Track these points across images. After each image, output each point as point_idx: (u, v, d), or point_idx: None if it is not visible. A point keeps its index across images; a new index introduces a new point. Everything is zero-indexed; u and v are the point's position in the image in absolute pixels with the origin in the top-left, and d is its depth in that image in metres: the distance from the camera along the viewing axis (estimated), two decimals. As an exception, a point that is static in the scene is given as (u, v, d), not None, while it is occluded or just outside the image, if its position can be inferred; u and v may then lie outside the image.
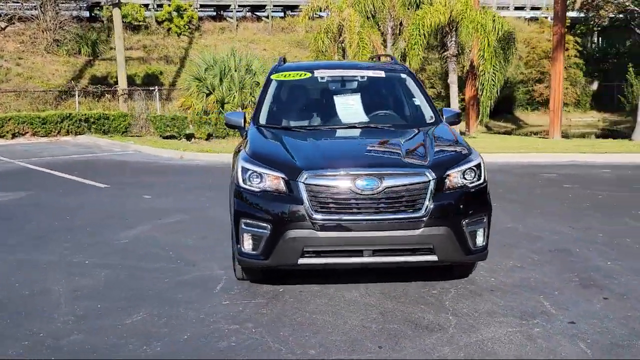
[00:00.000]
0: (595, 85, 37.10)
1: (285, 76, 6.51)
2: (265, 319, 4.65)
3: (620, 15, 32.87)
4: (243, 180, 4.96)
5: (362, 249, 4.78)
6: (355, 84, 6.49)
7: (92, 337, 4.38)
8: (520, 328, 4.43)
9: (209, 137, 20.56)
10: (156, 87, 24.88)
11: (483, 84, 20.25)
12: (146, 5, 34.13)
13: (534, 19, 38.34)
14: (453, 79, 21.65)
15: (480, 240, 4.98)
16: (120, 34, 24.03)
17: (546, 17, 36.60)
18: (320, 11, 23.45)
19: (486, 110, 20.67)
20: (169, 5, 33.59)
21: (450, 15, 20.10)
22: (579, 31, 36.24)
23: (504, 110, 32.12)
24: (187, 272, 5.84)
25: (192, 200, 9.64)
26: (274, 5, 37.15)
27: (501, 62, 20.26)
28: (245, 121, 6.09)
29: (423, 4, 20.93)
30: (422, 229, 4.72)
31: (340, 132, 5.88)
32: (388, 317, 4.64)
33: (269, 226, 4.76)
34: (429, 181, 4.78)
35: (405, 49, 20.84)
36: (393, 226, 4.71)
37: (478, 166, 5.06)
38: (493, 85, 20.04)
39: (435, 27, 20.17)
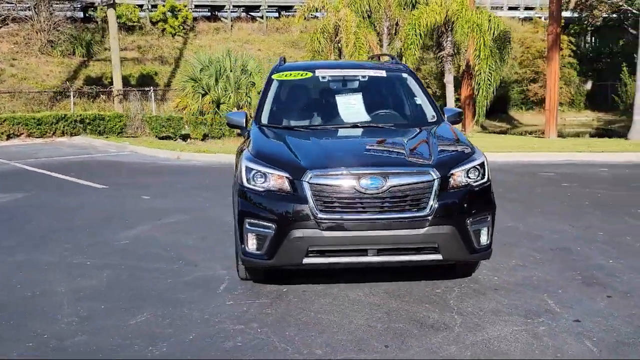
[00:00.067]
0: (589, 85, 37.22)
1: (286, 76, 6.50)
2: (270, 319, 4.63)
3: (614, 15, 33.05)
4: (247, 180, 4.94)
5: (367, 248, 4.77)
6: (356, 84, 6.48)
7: (97, 338, 4.35)
8: (525, 327, 4.43)
9: (204, 137, 20.53)
10: (151, 87, 24.83)
11: (479, 84, 20.28)
12: (140, 6, 34.05)
13: (527, 19, 38.43)
14: (449, 79, 21.69)
15: (484, 239, 4.98)
16: (115, 35, 23.96)
17: (540, 17, 36.70)
18: (316, 11, 23.44)
19: (482, 109, 20.72)
20: (164, 5, 33.51)
21: (446, 15, 20.13)
22: (572, 31, 36.36)
23: (499, 109, 32.17)
24: (189, 273, 5.82)
25: (190, 200, 9.62)
26: (269, 6, 37.14)
27: (497, 61, 20.31)
28: (246, 121, 6.08)
29: (419, 4, 20.98)
30: (426, 228, 4.72)
31: (343, 132, 5.88)
32: (393, 317, 4.64)
33: (273, 226, 4.75)
34: (434, 180, 4.77)
35: (401, 48, 20.87)
36: (398, 225, 4.70)
37: (482, 165, 5.06)
38: (489, 84, 20.08)
39: (431, 27, 20.20)
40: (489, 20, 20.14)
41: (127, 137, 21.02)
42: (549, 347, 4.11)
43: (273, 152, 5.25)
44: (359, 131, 5.86)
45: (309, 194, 4.71)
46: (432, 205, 4.74)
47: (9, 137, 20.18)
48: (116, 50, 23.81)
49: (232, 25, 36.01)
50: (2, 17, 27.29)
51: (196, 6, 36.23)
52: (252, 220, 4.86)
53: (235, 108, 20.33)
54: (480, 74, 20.21)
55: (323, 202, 4.71)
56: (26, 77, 26.77)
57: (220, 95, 20.86)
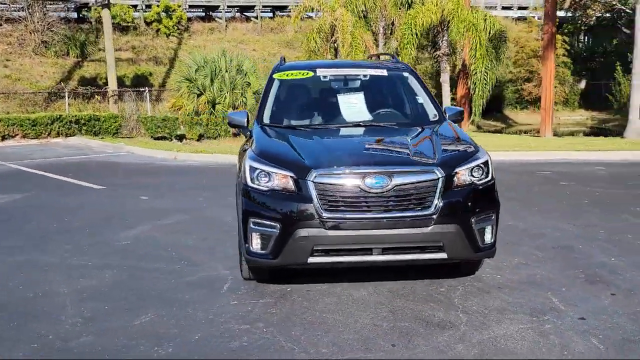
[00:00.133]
0: (583, 84, 37.37)
1: (287, 75, 6.48)
2: (275, 318, 4.62)
3: (607, 15, 33.22)
4: (251, 180, 4.92)
5: (372, 247, 4.77)
6: (358, 83, 6.47)
7: (102, 338, 4.33)
8: (531, 325, 4.43)
9: (200, 137, 20.50)
10: (146, 88, 24.74)
11: (475, 83, 20.34)
12: (135, 6, 33.97)
13: (521, 19, 38.54)
14: (445, 78, 21.73)
15: (488, 237, 4.98)
16: (110, 35, 23.86)
17: (534, 17, 36.82)
18: (312, 11, 23.45)
19: (478, 109, 20.78)
20: (158, 6, 33.43)
21: (442, 15, 20.18)
22: (566, 30, 36.48)
23: (494, 109, 32.27)
24: (191, 273, 5.80)
25: (189, 200, 9.59)
26: (263, 6, 37.11)
27: (493, 61, 20.37)
28: (248, 121, 6.05)
29: (415, 3, 20.99)
30: (431, 227, 4.72)
31: (346, 131, 5.87)
32: (398, 315, 4.63)
33: (278, 225, 4.73)
34: (438, 179, 4.77)
35: (397, 48, 20.89)
36: (402, 224, 4.70)
37: (485, 163, 5.06)
38: (485, 83, 20.14)
39: (427, 27, 20.25)
40: (485, 20, 20.21)
41: (122, 137, 20.93)
42: (555, 345, 4.11)
43: (277, 151, 5.23)
44: (361, 130, 5.85)
45: (313, 193, 4.69)
46: (436, 204, 4.74)
47: (3, 138, 20.05)
48: (111, 51, 23.71)
49: (226, 26, 35.97)
50: (-4, 17, 27.22)
51: (190, 6, 36.17)
52: (256, 220, 4.84)
53: (231, 108, 20.32)
54: (476, 73, 20.28)
55: (328, 201, 4.69)
56: (20, 78, 26.65)
57: (216, 95, 20.84)
